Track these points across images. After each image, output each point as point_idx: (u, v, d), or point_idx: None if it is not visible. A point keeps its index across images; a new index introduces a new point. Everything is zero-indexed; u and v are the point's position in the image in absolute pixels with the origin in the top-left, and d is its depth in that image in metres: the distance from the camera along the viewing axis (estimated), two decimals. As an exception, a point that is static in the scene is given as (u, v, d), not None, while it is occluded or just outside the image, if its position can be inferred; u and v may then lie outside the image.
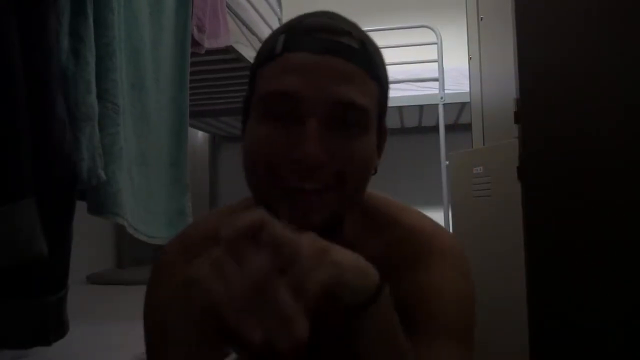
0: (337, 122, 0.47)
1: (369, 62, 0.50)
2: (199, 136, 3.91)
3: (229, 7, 1.79)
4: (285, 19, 2.91)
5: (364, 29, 0.55)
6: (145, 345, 0.57)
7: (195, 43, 1.52)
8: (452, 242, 0.59)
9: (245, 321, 0.34)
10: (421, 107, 3.21)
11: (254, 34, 2.10)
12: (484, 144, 1.87)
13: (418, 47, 3.08)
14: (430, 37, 3.10)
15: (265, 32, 2.29)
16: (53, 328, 0.85)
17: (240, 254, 0.36)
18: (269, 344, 0.34)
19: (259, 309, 0.34)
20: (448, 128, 3.10)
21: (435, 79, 3.02)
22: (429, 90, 3.05)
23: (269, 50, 0.50)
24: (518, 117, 1.42)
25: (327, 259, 0.39)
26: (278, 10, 2.70)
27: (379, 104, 0.53)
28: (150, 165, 1.24)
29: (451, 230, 1.83)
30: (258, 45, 2.16)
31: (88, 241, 2.41)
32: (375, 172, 0.55)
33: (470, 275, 0.58)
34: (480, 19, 1.95)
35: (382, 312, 0.43)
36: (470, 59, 2.12)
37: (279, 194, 0.48)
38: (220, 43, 1.68)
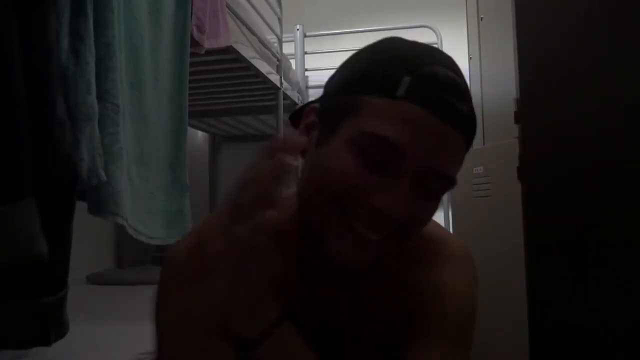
0: (425, 185, 0.47)
1: (473, 134, 0.49)
2: (198, 136, 3.91)
3: (229, 7, 1.79)
4: (285, 19, 2.91)
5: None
6: (155, 342, 0.57)
7: (195, 43, 1.52)
8: (461, 248, 0.60)
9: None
10: (421, 107, 3.21)
11: (254, 34, 2.10)
12: (484, 144, 1.87)
13: (418, 47, 3.07)
14: (430, 37, 3.10)
15: (265, 33, 2.29)
16: (53, 328, 0.85)
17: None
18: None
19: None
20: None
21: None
22: (429, 90, 3.05)
23: (387, 84, 0.46)
24: (518, 117, 1.42)
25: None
26: (278, 10, 2.70)
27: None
28: (149, 166, 1.24)
29: (451, 231, 1.83)
30: (258, 45, 2.17)
31: (88, 241, 2.41)
32: None
33: (477, 281, 0.59)
34: (480, 18, 1.95)
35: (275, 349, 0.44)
36: (470, 58, 2.12)
37: (344, 234, 0.48)
38: (220, 43, 1.67)
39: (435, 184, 0.47)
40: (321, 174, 0.48)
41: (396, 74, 0.46)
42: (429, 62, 0.47)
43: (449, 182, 0.48)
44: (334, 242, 0.48)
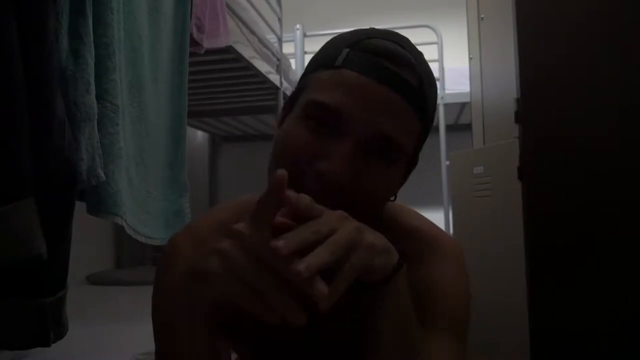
0: (371, 150, 0.48)
1: (421, 103, 0.50)
2: (198, 136, 3.91)
3: (228, 7, 1.79)
4: (285, 19, 2.92)
5: (364, 28, 0.55)
6: (154, 337, 0.57)
7: (195, 43, 1.52)
8: (452, 241, 0.61)
9: (261, 304, 0.36)
10: (421, 107, 3.21)
11: (254, 34, 2.10)
12: (484, 144, 1.87)
13: (418, 47, 3.07)
14: (431, 36, 3.10)
15: (265, 32, 2.29)
16: (52, 328, 0.85)
17: (249, 243, 0.37)
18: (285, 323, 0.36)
19: (271, 290, 0.36)
20: (448, 128, 3.11)
21: (436, 79, 3.02)
22: (429, 90, 3.05)
23: (329, 58, 0.50)
24: (518, 117, 1.42)
25: (363, 241, 0.39)
26: (278, 10, 2.70)
27: (418, 140, 0.53)
28: (148, 166, 1.24)
29: (451, 231, 1.83)
30: (258, 45, 2.17)
31: (88, 241, 2.42)
32: (395, 197, 0.56)
33: (468, 274, 0.60)
34: (480, 18, 1.95)
35: (394, 293, 0.44)
36: (470, 58, 2.12)
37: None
38: (220, 43, 1.68)
39: (381, 147, 0.48)
40: (276, 150, 0.51)
41: (338, 47, 0.50)
42: (372, 36, 0.51)
43: (395, 147, 0.48)
44: None
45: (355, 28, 0.55)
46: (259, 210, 0.38)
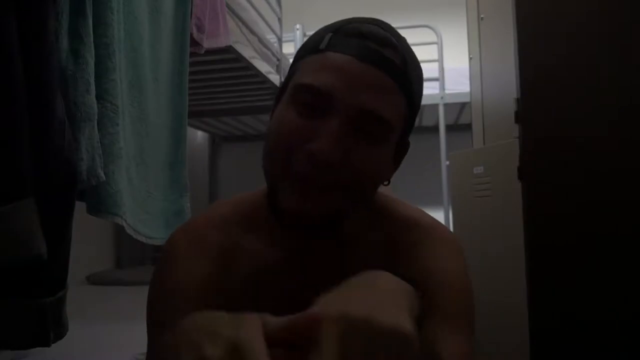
0: (359, 129, 0.49)
1: (405, 79, 0.51)
2: (198, 136, 3.91)
3: (228, 7, 1.79)
4: (285, 19, 2.91)
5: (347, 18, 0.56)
6: (147, 334, 0.57)
7: (195, 43, 1.52)
8: (450, 233, 0.61)
9: None
10: (421, 107, 3.21)
11: (254, 34, 2.10)
12: (484, 144, 1.87)
13: (418, 46, 3.07)
14: (431, 36, 3.10)
15: (265, 32, 2.29)
16: (52, 328, 0.85)
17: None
18: None
19: None
20: (448, 128, 3.10)
21: (436, 79, 3.02)
22: (429, 90, 3.05)
23: (313, 45, 0.52)
24: (518, 117, 1.42)
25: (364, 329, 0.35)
26: (278, 10, 2.70)
27: (405, 120, 0.54)
28: (148, 166, 1.24)
29: (451, 230, 1.83)
30: (258, 45, 2.17)
31: (88, 241, 2.42)
32: (389, 182, 0.57)
33: (466, 260, 0.59)
34: (480, 18, 1.95)
35: None
36: (470, 58, 2.12)
37: (287, 183, 0.50)
38: (220, 43, 1.67)
39: (368, 124, 0.49)
40: (269, 136, 0.53)
41: (322, 35, 0.53)
42: (353, 22, 0.53)
43: (381, 122, 0.49)
44: (282, 194, 0.50)
45: None
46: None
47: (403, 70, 0.51)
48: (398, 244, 0.58)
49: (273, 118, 0.54)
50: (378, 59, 0.49)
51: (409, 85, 0.52)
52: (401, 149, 0.56)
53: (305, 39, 3.06)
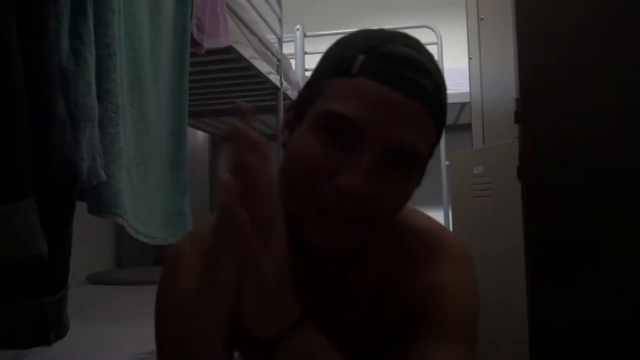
0: (391, 161, 0.47)
1: (438, 107, 0.49)
2: (198, 136, 3.91)
3: (229, 7, 1.79)
4: (285, 19, 2.91)
5: (364, 28, 0.54)
6: (157, 350, 0.56)
7: (195, 43, 1.52)
8: (460, 245, 0.59)
9: None
10: (421, 107, 3.21)
11: (254, 34, 2.10)
12: (484, 144, 1.87)
13: (418, 47, 3.07)
14: (430, 37, 3.10)
15: (265, 33, 2.29)
16: (53, 328, 0.85)
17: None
18: None
19: None
20: (448, 128, 3.09)
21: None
22: (429, 90, 3.04)
23: (344, 64, 0.48)
24: (518, 117, 1.42)
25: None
26: (278, 10, 2.70)
27: (431, 151, 0.52)
28: (149, 166, 1.24)
29: (451, 230, 1.83)
30: (258, 45, 2.17)
31: (88, 241, 2.42)
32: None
33: (477, 278, 0.58)
34: (480, 18, 1.95)
35: (296, 348, 0.44)
36: (470, 59, 2.12)
37: (315, 217, 0.48)
38: (220, 43, 1.68)
39: (400, 158, 0.47)
40: (290, 162, 0.49)
41: (352, 54, 0.48)
42: (385, 41, 0.48)
43: (413, 155, 0.47)
44: (307, 226, 0.48)
45: (357, 28, 0.54)
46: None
47: (437, 98, 0.48)
48: (408, 258, 0.57)
49: (293, 144, 0.50)
50: (415, 89, 0.46)
51: (441, 114, 0.50)
52: (422, 173, 0.54)
53: (306, 39, 3.04)
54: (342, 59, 0.49)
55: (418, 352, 0.50)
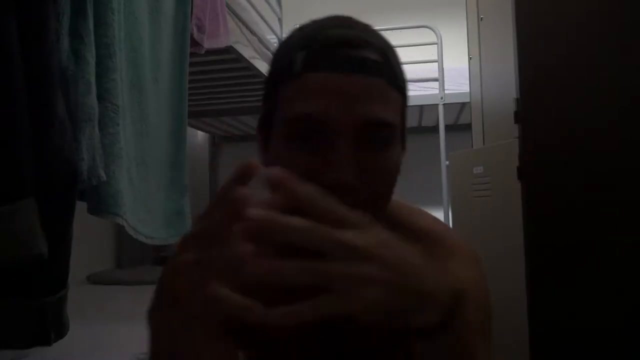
0: (365, 140, 0.46)
1: (391, 74, 0.49)
2: (198, 136, 3.91)
3: (229, 7, 1.79)
4: (285, 19, 2.91)
5: (305, 23, 0.54)
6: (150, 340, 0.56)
7: (195, 43, 1.52)
8: (466, 244, 0.58)
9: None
10: (421, 107, 3.21)
11: (254, 34, 2.10)
12: (483, 144, 1.87)
13: (418, 47, 3.08)
14: (430, 37, 3.10)
15: (265, 32, 2.29)
16: (53, 328, 0.85)
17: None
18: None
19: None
20: (448, 128, 3.11)
21: (435, 79, 3.02)
22: (429, 90, 3.05)
23: (287, 67, 0.48)
24: (518, 117, 1.42)
25: (393, 275, 0.35)
26: (278, 10, 2.70)
27: (402, 112, 0.51)
28: (149, 166, 1.24)
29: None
30: (258, 45, 2.17)
31: (88, 241, 2.41)
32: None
33: (485, 273, 0.57)
34: (480, 18, 1.95)
35: (449, 343, 0.40)
36: (470, 59, 2.12)
37: None
38: (220, 43, 1.68)
39: (373, 133, 0.46)
40: None
41: (292, 54, 0.48)
42: (318, 31, 0.49)
43: (386, 127, 0.47)
44: None
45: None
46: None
47: (386, 65, 0.48)
48: None
49: (272, 158, 0.50)
50: (361, 65, 0.46)
51: (396, 78, 0.49)
52: (403, 132, 0.54)
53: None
54: (285, 62, 0.49)
55: None
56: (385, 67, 0.48)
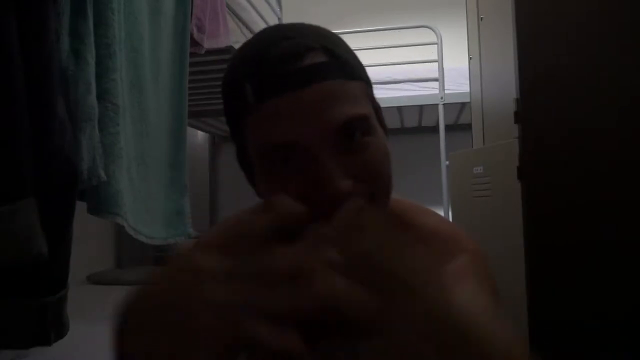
0: (346, 141, 0.45)
1: (344, 67, 0.47)
2: (198, 136, 3.91)
3: (229, 7, 1.79)
4: (285, 19, 2.91)
5: (364, 29, 0.54)
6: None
7: (195, 43, 1.52)
8: (474, 244, 0.57)
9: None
10: (421, 107, 3.22)
11: (254, 34, 2.10)
12: (483, 144, 1.87)
13: (418, 47, 3.09)
14: (430, 37, 3.10)
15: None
16: (53, 328, 0.85)
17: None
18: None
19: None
20: (448, 128, 3.10)
21: (435, 79, 3.02)
22: (429, 90, 3.05)
23: (241, 100, 0.46)
24: (518, 117, 1.42)
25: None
26: (278, 10, 2.70)
27: (371, 97, 0.50)
28: (149, 166, 1.24)
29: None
30: (258, 45, 2.17)
31: (88, 241, 2.41)
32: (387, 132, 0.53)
33: (493, 276, 0.57)
34: (480, 18, 1.95)
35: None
36: (470, 59, 2.12)
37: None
38: (220, 43, 1.68)
39: (348, 133, 0.45)
40: None
41: (241, 87, 0.46)
42: (259, 53, 0.46)
43: (358, 121, 0.45)
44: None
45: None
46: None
47: (335, 63, 0.46)
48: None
49: (262, 192, 0.49)
50: (311, 73, 0.44)
51: (350, 70, 0.47)
52: (378, 112, 0.52)
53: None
54: (236, 95, 0.47)
55: None
56: (335, 64, 0.46)
